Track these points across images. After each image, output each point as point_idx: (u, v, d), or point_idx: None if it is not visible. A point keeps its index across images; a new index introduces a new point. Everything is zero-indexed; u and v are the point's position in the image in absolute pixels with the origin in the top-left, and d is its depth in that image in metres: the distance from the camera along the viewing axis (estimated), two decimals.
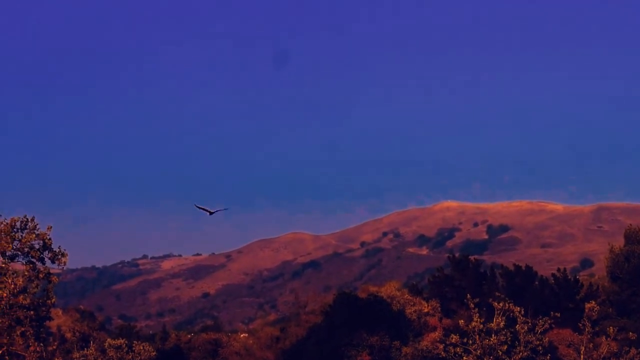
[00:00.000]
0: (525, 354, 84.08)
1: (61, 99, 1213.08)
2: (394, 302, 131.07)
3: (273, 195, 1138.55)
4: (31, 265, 69.93)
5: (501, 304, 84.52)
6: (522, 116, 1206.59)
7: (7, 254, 69.48)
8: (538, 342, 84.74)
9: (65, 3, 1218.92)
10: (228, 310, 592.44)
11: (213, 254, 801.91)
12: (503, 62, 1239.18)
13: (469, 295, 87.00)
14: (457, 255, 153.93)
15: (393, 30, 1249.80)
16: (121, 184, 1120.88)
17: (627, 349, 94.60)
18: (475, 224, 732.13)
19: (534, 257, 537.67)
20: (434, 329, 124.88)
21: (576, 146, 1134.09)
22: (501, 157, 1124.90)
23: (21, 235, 69.57)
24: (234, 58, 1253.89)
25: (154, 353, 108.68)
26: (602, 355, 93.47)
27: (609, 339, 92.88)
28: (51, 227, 70.11)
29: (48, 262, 70.70)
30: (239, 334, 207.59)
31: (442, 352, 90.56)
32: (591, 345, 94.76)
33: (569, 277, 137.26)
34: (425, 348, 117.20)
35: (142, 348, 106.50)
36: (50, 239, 70.08)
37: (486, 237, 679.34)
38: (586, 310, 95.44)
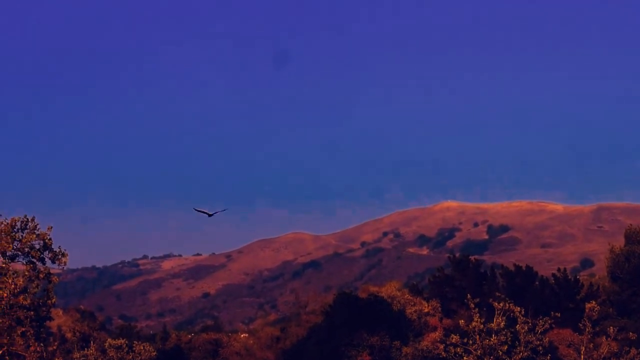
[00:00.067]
0: (526, 354, 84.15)
1: (61, 99, 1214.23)
2: (395, 302, 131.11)
3: (273, 195, 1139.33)
4: (31, 266, 69.94)
5: (501, 304, 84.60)
6: (522, 116, 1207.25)
7: (7, 254, 69.49)
8: (538, 342, 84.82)
9: (65, 3, 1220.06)
10: (228, 310, 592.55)
11: (213, 254, 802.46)
12: (503, 62, 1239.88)
13: (469, 296, 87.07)
14: (457, 255, 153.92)
15: (393, 30, 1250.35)
16: (121, 184, 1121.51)
17: (628, 349, 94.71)
18: (476, 224, 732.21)
19: (534, 257, 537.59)
20: (435, 329, 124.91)
21: (576, 146, 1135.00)
22: (501, 157, 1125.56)
23: (21, 236, 69.58)
24: (234, 58, 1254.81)
25: (154, 353, 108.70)
26: (602, 355, 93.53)
27: (609, 339, 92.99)
28: (51, 227, 70.17)
29: (48, 262, 70.72)
30: (240, 334, 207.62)
31: (443, 352, 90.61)
32: (591, 345, 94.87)
33: (569, 277, 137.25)
34: (425, 348, 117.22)
35: (142, 348, 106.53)
36: (50, 239, 70.10)
37: (486, 237, 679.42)
38: (586, 311, 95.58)
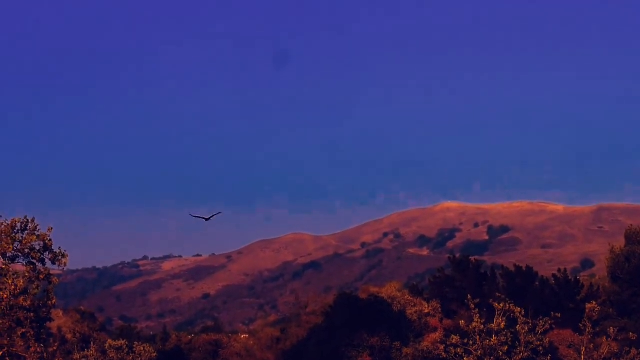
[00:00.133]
0: (526, 354, 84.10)
1: (61, 99, 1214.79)
2: (395, 302, 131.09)
3: (273, 195, 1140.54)
4: (32, 267, 69.93)
5: (502, 305, 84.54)
6: (522, 116, 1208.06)
7: (7, 255, 69.49)
8: (539, 343, 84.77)
9: (65, 3, 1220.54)
10: (228, 311, 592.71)
11: (213, 254, 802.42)
12: (503, 62, 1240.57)
13: (469, 296, 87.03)
14: (457, 255, 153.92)
15: (393, 30, 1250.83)
16: (121, 184, 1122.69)
17: (628, 349, 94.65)
18: (476, 225, 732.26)
19: (535, 257, 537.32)
20: (435, 329, 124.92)
21: (576, 146, 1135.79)
22: (501, 157, 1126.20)
23: (22, 237, 69.58)
24: (234, 58, 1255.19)
25: (154, 354, 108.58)
26: (602, 356, 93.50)
27: (609, 339, 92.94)
28: (52, 228, 70.17)
29: (48, 263, 70.73)
30: (240, 334, 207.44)
31: (443, 353, 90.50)
32: (592, 346, 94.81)
33: (570, 278, 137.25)
34: (425, 349, 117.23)
35: (142, 349, 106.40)
36: (50, 240, 70.11)
37: (487, 237, 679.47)
38: (587, 311, 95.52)
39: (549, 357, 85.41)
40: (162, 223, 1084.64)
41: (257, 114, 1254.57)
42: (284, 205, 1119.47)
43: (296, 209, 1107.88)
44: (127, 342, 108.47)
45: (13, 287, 67.58)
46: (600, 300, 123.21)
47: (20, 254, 69.73)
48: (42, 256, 70.08)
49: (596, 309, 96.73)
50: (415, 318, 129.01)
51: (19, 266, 70.56)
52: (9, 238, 68.94)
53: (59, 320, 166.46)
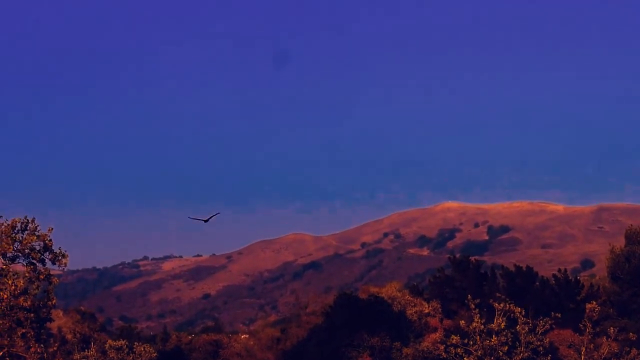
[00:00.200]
0: (526, 354, 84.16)
1: (61, 99, 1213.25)
2: (395, 303, 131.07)
3: (273, 195, 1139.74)
4: (32, 267, 70.01)
5: (502, 305, 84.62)
6: (522, 116, 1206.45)
7: (7, 256, 69.55)
8: (539, 343, 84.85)
9: (65, 3, 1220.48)
10: (229, 311, 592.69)
11: (214, 255, 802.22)
12: (503, 62, 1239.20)
13: (469, 296, 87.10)
14: (457, 256, 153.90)
15: (393, 30, 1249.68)
16: (121, 184, 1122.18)
17: (628, 349, 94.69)
18: (476, 225, 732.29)
19: (535, 257, 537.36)
20: (435, 329, 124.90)
21: (576, 146, 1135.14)
22: (501, 157, 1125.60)
23: (22, 237, 69.65)
24: (234, 58, 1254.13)
25: (154, 354, 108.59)
26: (602, 356, 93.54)
27: (609, 339, 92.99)
28: (52, 228, 70.29)
29: (49, 264, 70.82)
30: (240, 335, 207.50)
31: (443, 353, 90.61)
32: (592, 346, 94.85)
33: (570, 278, 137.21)
34: (426, 349, 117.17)
35: (142, 349, 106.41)
36: (50, 240, 70.18)
37: (487, 237, 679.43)
38: (587, 311, 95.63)
39: (549, 357, 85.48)
40: (162, 223, 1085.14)
41: (257, 114, 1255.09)
42: (284, 205, 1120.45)
43: (296, 209, 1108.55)
44: (127, 343, 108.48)
45: (13, 287, 67.64)
46: (601, 300, 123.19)
47: (20, 254, 69.82)
48: (42, 256, 70.15)
49: (596, 309, 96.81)
50: (416, 318, 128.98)
51: (19, 266, 70.62)
52: (9, 238, 69.02)
53: (59, 321, 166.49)
